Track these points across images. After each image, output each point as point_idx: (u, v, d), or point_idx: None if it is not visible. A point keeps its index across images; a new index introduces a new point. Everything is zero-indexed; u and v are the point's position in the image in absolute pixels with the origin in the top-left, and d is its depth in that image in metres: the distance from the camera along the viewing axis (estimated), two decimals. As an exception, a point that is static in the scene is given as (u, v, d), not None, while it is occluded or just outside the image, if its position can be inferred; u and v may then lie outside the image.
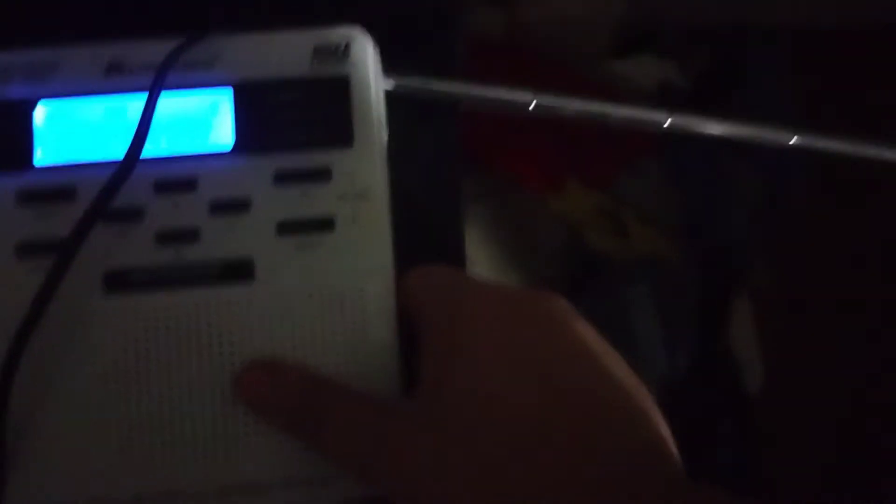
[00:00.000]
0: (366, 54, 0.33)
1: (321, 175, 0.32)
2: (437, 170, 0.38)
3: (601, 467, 0.24)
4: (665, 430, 0.26)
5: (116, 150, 0.31)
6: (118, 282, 0.30)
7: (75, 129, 0.32)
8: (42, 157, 0.31)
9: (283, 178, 0.32)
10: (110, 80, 0.32)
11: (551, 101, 0.38)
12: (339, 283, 0.31)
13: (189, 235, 0.31)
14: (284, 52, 0.33)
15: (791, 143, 0.40)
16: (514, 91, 0.37)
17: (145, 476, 0.30)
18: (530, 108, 0.37)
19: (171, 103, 0.32)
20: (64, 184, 0.31)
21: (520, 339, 0.27)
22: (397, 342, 0.31)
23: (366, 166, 0.32)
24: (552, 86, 0.37)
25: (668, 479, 0.25)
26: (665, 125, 0.38)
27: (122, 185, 0.30)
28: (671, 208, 1.22)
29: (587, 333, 0.27)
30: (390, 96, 0.34)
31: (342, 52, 0.33)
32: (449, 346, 0.27)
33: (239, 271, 0.31)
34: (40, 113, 0.32)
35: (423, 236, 0.36)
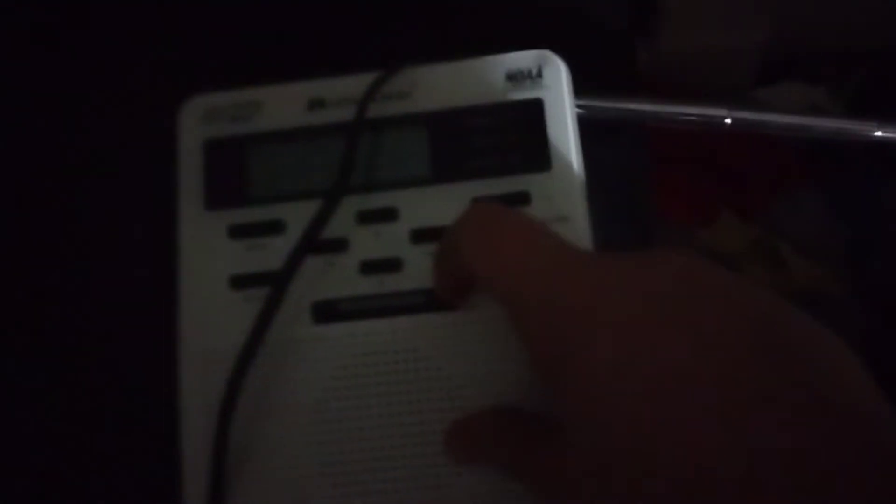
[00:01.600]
0: (559, 77, 0.32)
1: (520, 199, 0.31)
2: (627, 193, 0.37)
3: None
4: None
5: (322, 183, 0.32)
6: (326, 312, 0.31)
7: (282, 165, 0.33)
8: (252, 192, 0.32)
9: (482, 204, 0.31)
10: (313, 116, 0.33)
11: (748, 115, 0.36)
12: None
13: (392, 265, 0.31)
14: (478, 78, 0.33)
15: None
16: (708, 107, 0.36)
17: None
18: (727, 122, 0.35)
19: (372, 135, 0.32)
20: (273, 218, 0.32)
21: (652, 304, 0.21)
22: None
23: (565, 189, 0.31)
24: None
25: None
26: (876, 134, 0.35)
27: (329, 218, 0.30)
28: (832, 239, 1.15)
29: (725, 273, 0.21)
30: (578, 118, 0.33)
31: (535, 75, 0.32)
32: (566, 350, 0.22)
33: (442, 301, 0.30)
34: (248, 151, 0.33)
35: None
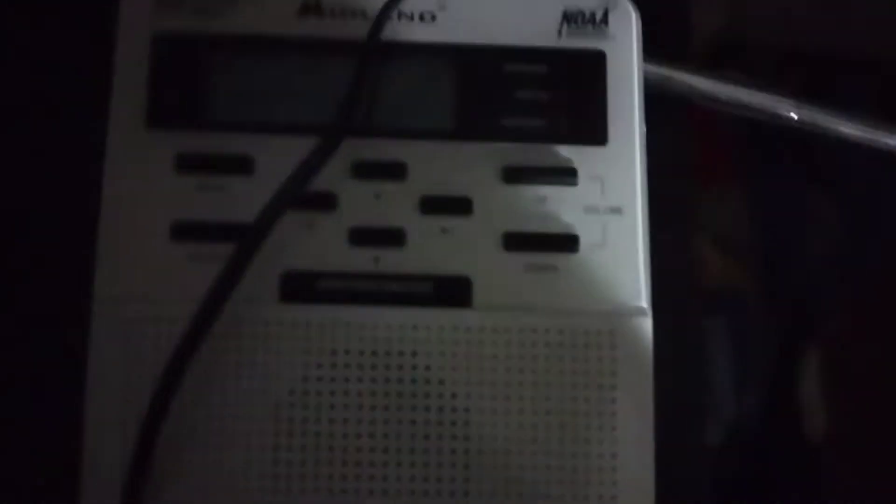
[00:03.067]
0: (629, 27, 0.26)
1: (564, 177, 0.25)
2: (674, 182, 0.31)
3: None
4: None
5: (309, 116, 0.24)
6: (298, 288, 0.23)
7: (257, 83, 0.25)
8: (214, 114, 0.24)
9: (515, 176, 0.24)
10: (305, 25, 0.25)
11: (814, 112, 0.30)
12: (579, 321, 0.24)
13: (392, 237, 0.24)
14: (526, 10, 0.25)
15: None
16: (774, 99, 0.30)
17: None
18: (793, 117, 0.30)
19: (381, 64, 0.25)
20: (239, 152, 0.24)
21: None
22: (651, 405, 0.24)
23: (622, 172, 0.25)
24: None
25: None
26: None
27: (322, 165, 0.23)
28: (752, 240, 1.16)
29: None
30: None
31: (599, 21, 0.25)
32: None
33: (452, 293, 0.24)
34: (214, 57, 0.24)
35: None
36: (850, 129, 0.31)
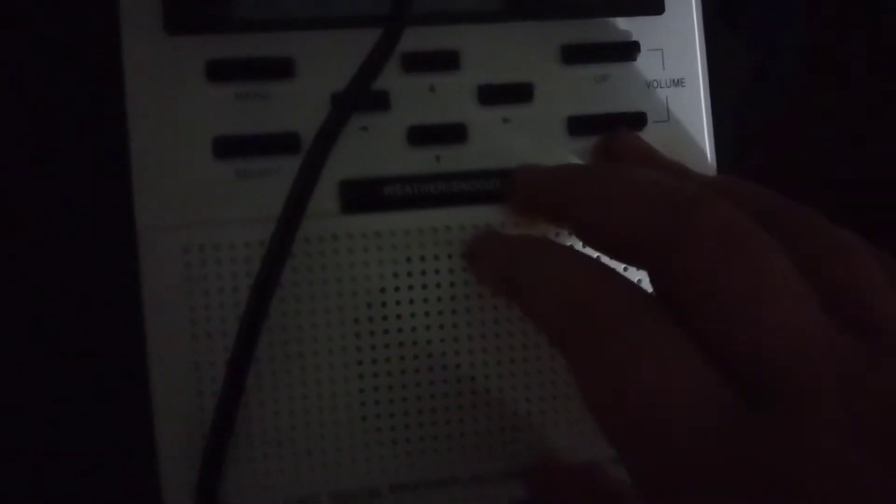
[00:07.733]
0: None
1: (624, 52, 0.23)
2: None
3: None
4: None
5: (348, 7, 0.22)
6: (361, 196, 0.22)
7: (287, -26, 0.22)
8: (240, 12, 0.22)
9: (573, 55, 0.23)
10: None
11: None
12: None
13: (453, 133, 0.22)
14: None
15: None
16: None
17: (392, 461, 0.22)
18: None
19: (422, -59, 0.22)
20: (277, 53, 0.21)
21: None
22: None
23: (681, 40, 0.24)
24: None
25: None
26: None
27: (385, 62, 0.21)
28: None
29: None
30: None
31: None
32: None
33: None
34: (235, -54, 0.22)
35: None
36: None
